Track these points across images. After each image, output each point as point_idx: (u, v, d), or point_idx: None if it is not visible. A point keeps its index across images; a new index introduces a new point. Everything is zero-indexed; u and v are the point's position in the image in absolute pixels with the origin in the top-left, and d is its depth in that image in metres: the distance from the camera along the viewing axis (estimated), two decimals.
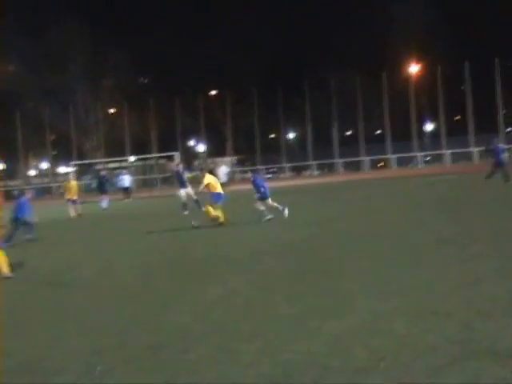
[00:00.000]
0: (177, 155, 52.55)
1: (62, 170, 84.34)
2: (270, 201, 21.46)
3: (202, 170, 24.80)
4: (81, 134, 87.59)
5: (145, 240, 18.67)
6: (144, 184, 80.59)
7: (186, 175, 28.63)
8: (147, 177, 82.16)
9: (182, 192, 26.80)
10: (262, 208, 21.14)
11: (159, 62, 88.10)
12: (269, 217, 20.73)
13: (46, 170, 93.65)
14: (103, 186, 38.80)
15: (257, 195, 21.50)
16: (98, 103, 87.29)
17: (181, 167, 29.38)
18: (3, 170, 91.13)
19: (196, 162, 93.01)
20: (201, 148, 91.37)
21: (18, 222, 20.28)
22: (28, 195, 21.84)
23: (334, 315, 7.64)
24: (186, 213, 25.33)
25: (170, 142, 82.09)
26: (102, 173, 39.82)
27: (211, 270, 11.85)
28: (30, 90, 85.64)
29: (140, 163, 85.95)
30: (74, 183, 32.37)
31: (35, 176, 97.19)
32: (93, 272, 13.00)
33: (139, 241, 18.56)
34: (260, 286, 9.94)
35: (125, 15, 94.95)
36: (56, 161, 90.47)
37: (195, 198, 26.19)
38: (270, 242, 15.41)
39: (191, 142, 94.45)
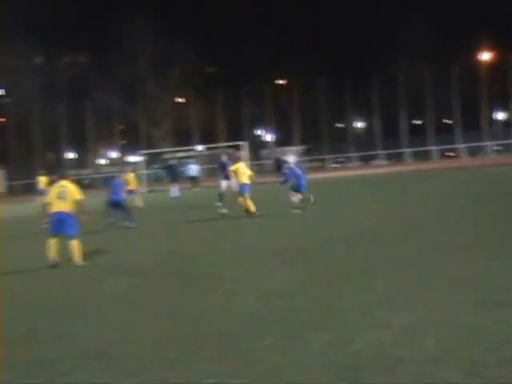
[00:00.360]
0: (244, 145, 52.60)
1: (130, 158, 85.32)
2: (300, 195, 21.29)
3: (239, 159, 24.48)
4: (149, 123, 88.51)
5: (212, 228, 18.81)
6: (212, 173, 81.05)
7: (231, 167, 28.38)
8: (215, 166, 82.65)
9: (224, 183, 26.64)
10: (295, 199, 21.05)
11: (226, 51, 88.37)
12: (296, 211, 20.55)
13: (115, 159, 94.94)
14: (174, 174, 38.95)
15: (290, 186, 21.51)
16: (166, 93, 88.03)
17: (225, 158, 29.24)
18: (74, 159, 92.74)
19: (263, 152, 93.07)
20: (268, 137, 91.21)
21: (112, 204, 20.92)
22: (121, 178, 22.62)
23: (403, 306, 7.60)
24: (219, 204, 24.42)
25: (237, 131, 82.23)
26: (172, 161, 40.03)
27: (276, 259, 11.89)
28: (100, 80, 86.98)
29: (207, 152, 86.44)
30: (132, 175, 32.57)
31: (105, 165, 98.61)
32: (164, 260, 13.19)
33: (207, 229, 18.72)
34: (326, 275, 9.93)
35: (191, 5, 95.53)
36: (125, 150, 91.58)
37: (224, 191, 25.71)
38: (334, 230, 15.39)
39: (258, 132, 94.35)
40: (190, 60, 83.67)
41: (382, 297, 8.18)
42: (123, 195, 21.52)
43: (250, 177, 22.08)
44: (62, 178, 14.01)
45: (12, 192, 78.86)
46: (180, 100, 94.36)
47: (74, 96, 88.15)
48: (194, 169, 47.46)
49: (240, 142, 55.66)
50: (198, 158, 77.40)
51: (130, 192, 31.10)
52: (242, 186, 21.69)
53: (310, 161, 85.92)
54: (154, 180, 74.51)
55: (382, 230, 14.93)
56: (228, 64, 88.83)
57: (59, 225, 13.19)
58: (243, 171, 22.03)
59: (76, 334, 7.64)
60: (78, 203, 13.51)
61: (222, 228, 18.91)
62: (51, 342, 7.42)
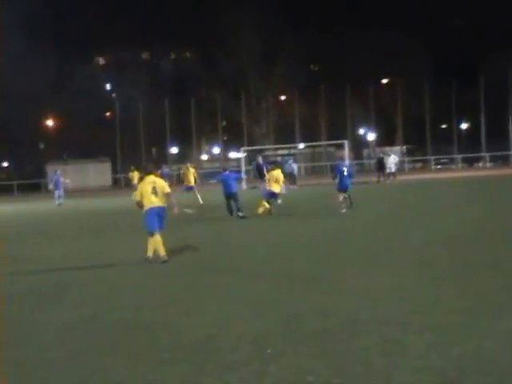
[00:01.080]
0: (346, 143, 52.28)
1: (232, 155, 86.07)
2: (346, 194, 21.40)
3: (275, 164, 24.88)
4: (251, 120, 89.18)
5: (300, 227, 18.77)
6: (312, 171, 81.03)
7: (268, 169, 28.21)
8: (316, 164, 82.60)
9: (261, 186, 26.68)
10: (340, 199, 21.11)
11: (330, 50, 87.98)
12: (344, 210, 20.61)
13: (217, 154, 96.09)
14: (261, 171, 38.32)
15: (336, 185, 21.71)
16: (270, 90, 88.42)
17: (260, 160, 29.03)
18: (177, 154, 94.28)
19: (365, 151, 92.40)
20: (370, 137, 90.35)
21: (227, 196, 21.71)
22: (230, 170, 23.36)
23: (506, 312, 7.40)
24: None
25: (339, 129, 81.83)
26: (259, 159, 39.41)
27: (375, 259, 11.80)
28: (204, 76, 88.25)
29: (309, 151, 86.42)
30: (192, 170, 32.76)
31: (207, 160, 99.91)
32: (262, 258, 13.28)
33: (297, 228, 18.70)
34: (428, 278, 9.76)
35: (297, 2, 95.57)
36: (227, 146, 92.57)
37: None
38: (433, 233, 15.14)
39: (361, 131, 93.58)
40: (295, 57, 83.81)
41: (485, 301, 7.99)
42: (236, 187, 22.25)
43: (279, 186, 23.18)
44: (150, 173, 14.20)
45: (116, 185, 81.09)
46: (283, 97, 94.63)
47: (179, 91, 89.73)
48: (291, 166, 47.26)
49: (341, 141, 55.27)
50: (298, 156, 77.59)
51: (189, 188, 31.15)
52: (269, 191, 22.96)
53: (413, 161, 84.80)
54: (254, 177, 75.03)
55: (483, 235, 14.57)
56: (332, 62, 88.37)
57: (155, 219, 13.46)
58: (276, 178, 22.97)
59: (180, 326, 7.80)
60: (167, 197, 13.76)
61: (312, 226, 18.85)
62: (156, 332, 7.60)
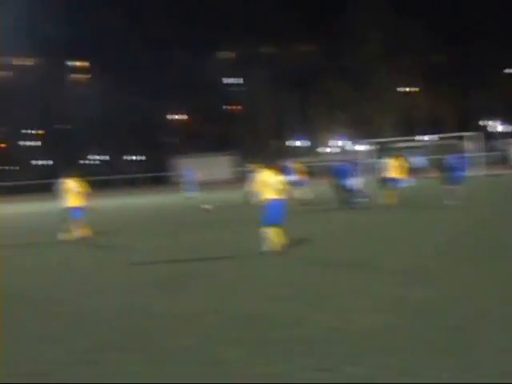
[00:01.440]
0: (475, 135, 51.03)
1: (358, 147, 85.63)
2: (458, 188, 21.07)
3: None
4: (376, 112, 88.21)
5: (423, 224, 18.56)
6: (437, 164, 79.34)
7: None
8: (441, 157, 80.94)
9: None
10: (449, 192, 20.88)
11: (454, 40, 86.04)
12: (449, 202, 20.30)
13: (342, 147, 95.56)
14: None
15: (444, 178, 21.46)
16: (395, 82, 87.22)
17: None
18: (302, 147, 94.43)
19: (492, 143, 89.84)
20: (498, 128, 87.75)
21: (339, 187, 22.49)
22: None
23: None
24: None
25: (464, 121, 79.90)
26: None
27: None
28: (329, 68, 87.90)
29: (435, 143, 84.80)
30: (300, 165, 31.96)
31: (332, 153, 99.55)
32: (378, 253, 13.37)
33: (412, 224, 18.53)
34: None
35: None
36: (352, 139, 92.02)
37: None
38: None
39: (487, 122, 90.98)
40: (420, 49, 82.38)
41: None
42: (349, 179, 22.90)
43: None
44: (271, 167, 14.49)
45: (238, 178, 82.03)
46: (408, 89, 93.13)
47: (304, 84, 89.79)
48: (418, 160, 46.69)
49: (468, 133, 54.04)
50: (424, 149, 76.22)
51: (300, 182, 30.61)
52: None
53: None
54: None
55: None
56: (457, 53, 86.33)
57: (275, 212, 13.79)
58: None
59: (305, 318, 8.17)
60: (284, 191, 14.05)
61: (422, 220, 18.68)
62: (281, 324, 7.98)
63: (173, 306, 9.26)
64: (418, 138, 76.71)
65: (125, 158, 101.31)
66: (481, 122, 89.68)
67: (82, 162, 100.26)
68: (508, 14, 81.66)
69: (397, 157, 29.02)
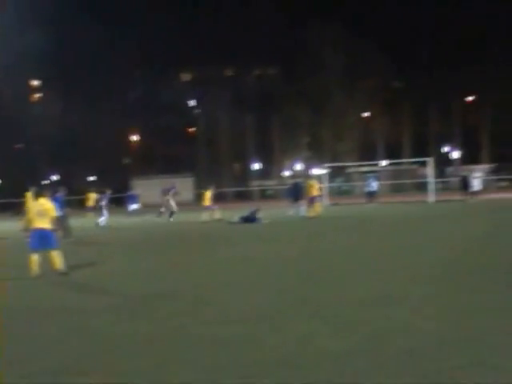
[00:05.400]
0: (429, 161, 51.53)
1: (314, 171, 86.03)
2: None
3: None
4: (334, 136, 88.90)
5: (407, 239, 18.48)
6: (395, 189, 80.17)
7: None
8: (398, 182, 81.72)
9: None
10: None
11: (415, 66, 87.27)
12: None
13: (299, 171, 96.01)
14: (296, 193, 35.48)
15: None
16: (353, 107, 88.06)
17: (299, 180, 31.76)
18: (259, 170, 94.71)
19: (449, 169, 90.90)
20: (455, 155, 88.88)
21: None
22: None
23: None
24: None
25: (422, 147, 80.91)
26: (298, 180, 37.13)
27: (471, 279, 11.49)
28: (287, 92, 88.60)
29: (391, 168, 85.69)
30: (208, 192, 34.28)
31: (289, 177, 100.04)
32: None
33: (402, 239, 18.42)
34: None
35: (382, 19, 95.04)
36: (309, 162, 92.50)
37: None
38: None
39: (445, 149, 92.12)
40: (379, 74, 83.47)
41: None
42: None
43: None
44: (40, 195, 14.96)
45: (198, 200, 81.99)
46: (366, 114, 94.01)
47: (262, 108, 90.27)
48: (373, 184, 47.19)
49: (425, 159, 54.56)
50: (381, 173, 77.01)
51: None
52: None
53: (498, 180, 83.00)
54: (337, 193, 74.76)
55: None
56: (416, 79, 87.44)
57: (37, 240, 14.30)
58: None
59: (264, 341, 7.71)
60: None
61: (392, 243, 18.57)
62: (240, 346, 7.53)
63: (133, 328, 8.83)
64: (376, 162, 77.43)
65: (78, 178, 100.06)
66: (440, 148, 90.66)
67: (32, 182, 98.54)
68: (468, 42, 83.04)
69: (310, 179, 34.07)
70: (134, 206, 45.11)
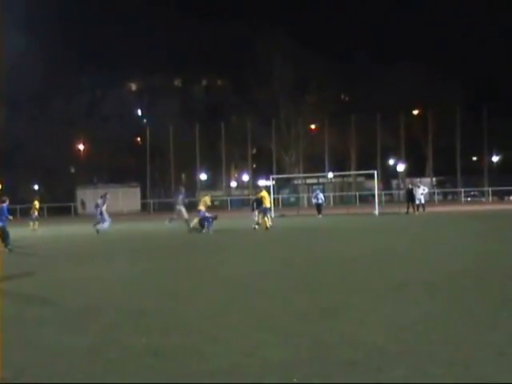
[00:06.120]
0: (375, 174, 52.06)
1: (261, 182, 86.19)
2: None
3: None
4: (281, 148, 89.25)
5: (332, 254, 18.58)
6: (342, 201, 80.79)
7: None
8: (345, 193, 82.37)
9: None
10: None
11: (362, 80, 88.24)
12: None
13: (246, 182, 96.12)
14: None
15: None
16: (300, 118, 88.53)
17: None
18: (206, 180, 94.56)
19: (394, 182, 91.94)
20: (400, 167, 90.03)
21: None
22: None
23: None
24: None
25: (369, 159, 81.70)
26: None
27: (398, 292, 11.59)
28: (235, 103, 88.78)
29: (338, 180, 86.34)
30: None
31: (236, 188, 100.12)
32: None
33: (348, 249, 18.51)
34: (456, 309, 9.57)
35: (333, 32, 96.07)
36: (256, 173, 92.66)
37: None
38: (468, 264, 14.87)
39: (391, 161, 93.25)
40: (327, 87, 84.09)
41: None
42: None
43: None
44: None
45: (145, 210, 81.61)
46: (313, 126, 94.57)
47: (210, 118, 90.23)
48: (320, 196, 47.16)
49: (371, 171, 55.10)
50: (327, 185, 77.56)
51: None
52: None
53: (443, 193, 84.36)
54: (284, 205, 75.05)
55: (496, 270, 14.30)
56: (363, 92, 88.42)
57: None
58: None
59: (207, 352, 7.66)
60: None
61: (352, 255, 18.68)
62: (182, 357, 7.48)
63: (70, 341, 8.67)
64: (323, 174, 77.91)
65: (23, 186, 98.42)
66: (386, 161, 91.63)
67: None
68: (412, 56, 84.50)
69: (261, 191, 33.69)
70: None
